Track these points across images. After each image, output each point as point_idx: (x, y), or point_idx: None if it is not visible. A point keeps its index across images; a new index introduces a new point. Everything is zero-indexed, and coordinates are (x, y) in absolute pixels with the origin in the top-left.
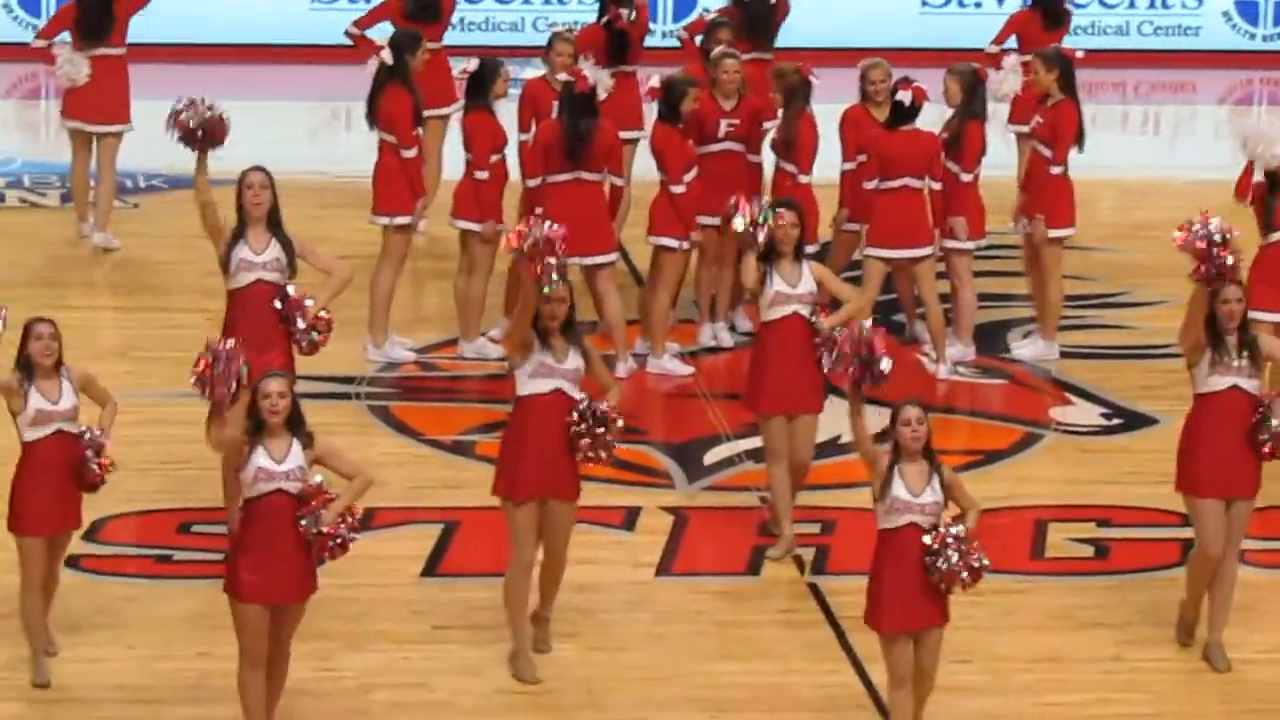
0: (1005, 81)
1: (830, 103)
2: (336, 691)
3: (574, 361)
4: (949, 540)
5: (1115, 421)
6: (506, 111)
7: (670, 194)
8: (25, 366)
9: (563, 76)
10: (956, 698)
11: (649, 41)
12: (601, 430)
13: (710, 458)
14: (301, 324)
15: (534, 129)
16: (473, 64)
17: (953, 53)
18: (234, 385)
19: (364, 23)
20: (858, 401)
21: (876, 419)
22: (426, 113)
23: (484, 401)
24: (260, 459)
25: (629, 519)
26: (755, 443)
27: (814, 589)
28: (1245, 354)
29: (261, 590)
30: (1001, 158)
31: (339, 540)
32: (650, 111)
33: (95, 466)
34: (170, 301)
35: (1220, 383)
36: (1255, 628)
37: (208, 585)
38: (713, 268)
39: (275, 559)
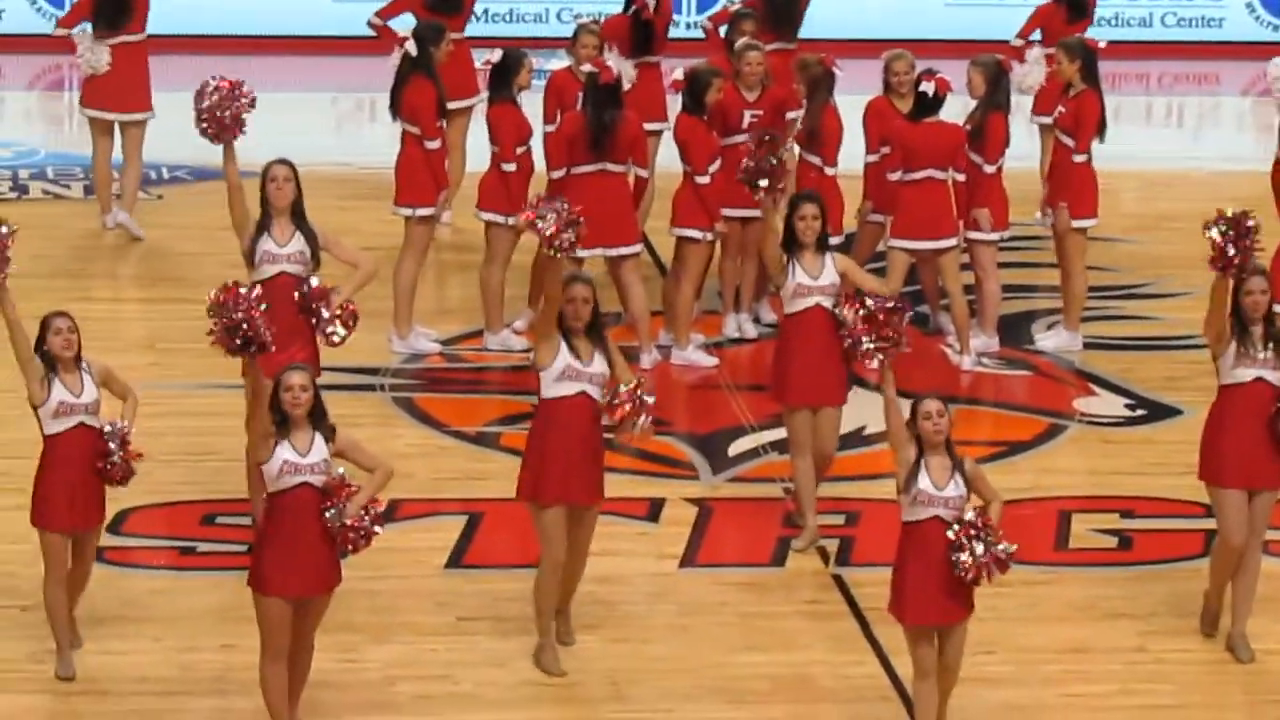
0: (1030, 74)
1: (854, 94)
2: (360, 683)
3: (599, 365)
4: (973, 532)
5: (1139, 413)
6: (530, 103)
7: (694, 185)
8: (46, 360)
9: (587, 68)
10: (981, 689)
11: (673, 33)
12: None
13: (734, 449)
14: (326, 314)
15: (559, 120)
16: (496, 55)
17: (976, 44)
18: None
19: (386, 13)
20: (891, 386)
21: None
22: (449, 105)
23: (508, 393)
24: (285, 452)
25: (653, 510)
26: (779, 434)
27: (838, 580)
28: (1271, 346)
29: (285, 584)
30: (1025, 149)
31: (363, 533)
32: (674, 103)
33: (118, 459)
34: (194, 293)
35: (1245, 374)
36: (1279, 618)
37: (232, 577)
38: (736, 259)
39: (300, 552)
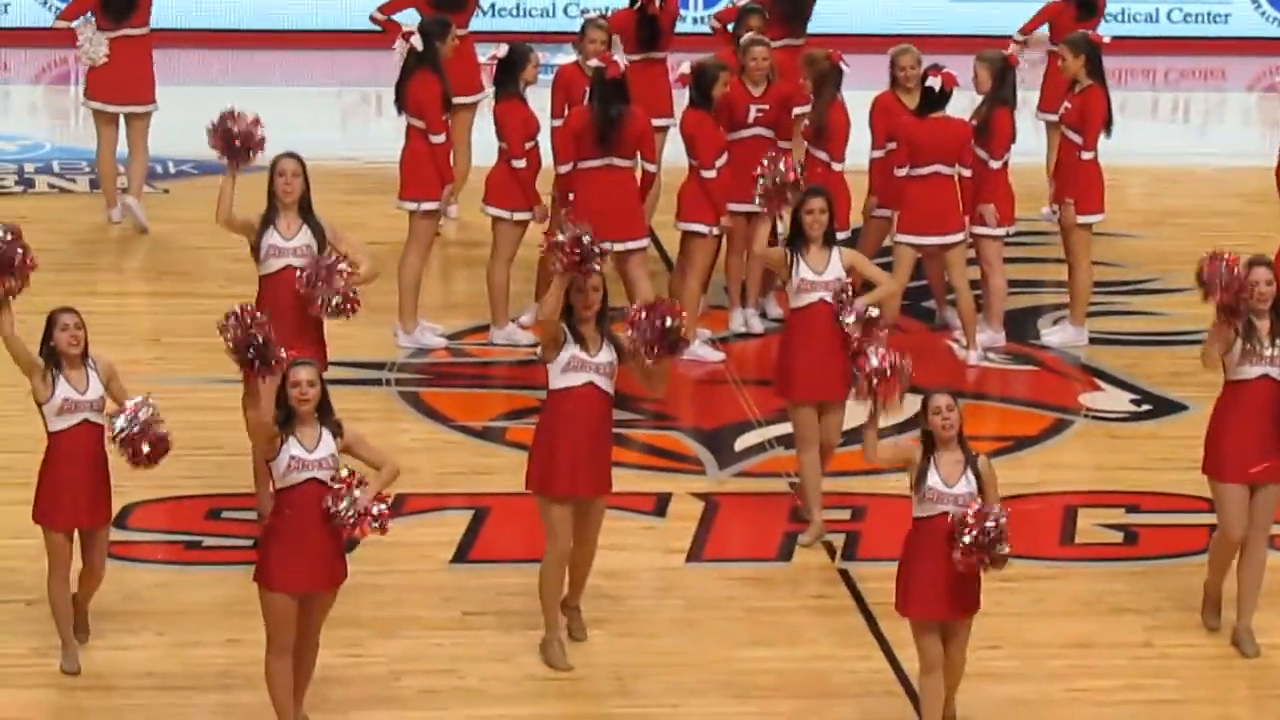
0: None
1: (861, 89)
2: (366, 678)
3: (606, 354)
4: (970, 520)
5: (1145, 408)
6: (537, 98)
7: (701, 179)
8: (52, 356)
9: (594, 63)
10: (987, 684)
11: (679, 27)
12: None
13: (741, 444)
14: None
15: (566, 115)
16: (502, 50)
17: (982, 39)
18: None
19: (388, 8)
20: (875, 420)
21: (908, 405)
22: (454, 100)
23: (514, 387)
24: (293, 448)
25: (660, 505)
26: (786, 429)
27: (845, 575)
28: (1277, 343)
29: (291, 579)
30: (1031, 145)
31: (377, 516)
32: (680, 98)
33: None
34: (200, 287)
35: (1251, 371)
36: None
37: (237, 571)
38: (742, 253)
39: (307, 548)
